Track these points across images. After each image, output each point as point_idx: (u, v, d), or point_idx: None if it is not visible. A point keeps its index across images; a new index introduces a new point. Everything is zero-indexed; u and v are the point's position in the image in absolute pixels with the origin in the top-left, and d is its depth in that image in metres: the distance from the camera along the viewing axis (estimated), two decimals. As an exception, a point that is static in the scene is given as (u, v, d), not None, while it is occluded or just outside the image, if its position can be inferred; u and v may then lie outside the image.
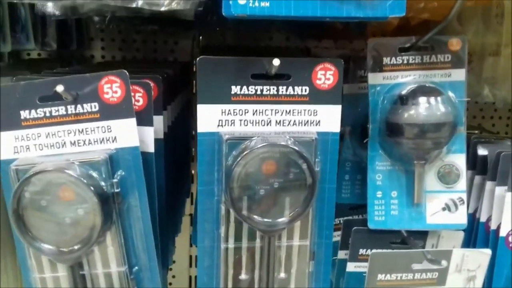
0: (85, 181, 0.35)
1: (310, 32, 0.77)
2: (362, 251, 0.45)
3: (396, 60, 0.43)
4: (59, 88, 0.34)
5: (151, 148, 0.38)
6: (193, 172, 0.77)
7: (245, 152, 0.37)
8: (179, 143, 0.59)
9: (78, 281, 0.37)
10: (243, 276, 0.40)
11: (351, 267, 0.46)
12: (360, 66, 0.50)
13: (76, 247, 0.36)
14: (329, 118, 0.39)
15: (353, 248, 0.45)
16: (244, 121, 0.38)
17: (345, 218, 0.48)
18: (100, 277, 0.38)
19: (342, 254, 0.48)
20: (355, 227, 0.45)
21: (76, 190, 0.35)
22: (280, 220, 0.37)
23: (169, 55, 0.79)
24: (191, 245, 0.75)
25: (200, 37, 0.79)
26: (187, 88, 0.69)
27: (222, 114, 0.38)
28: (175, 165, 0.53)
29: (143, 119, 0.38)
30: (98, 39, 0.76)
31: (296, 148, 0.36)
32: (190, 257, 0.76)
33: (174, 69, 0.54)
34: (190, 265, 0.77)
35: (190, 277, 0.78)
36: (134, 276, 0.38)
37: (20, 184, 0.35)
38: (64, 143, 0.37)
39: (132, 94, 0.37)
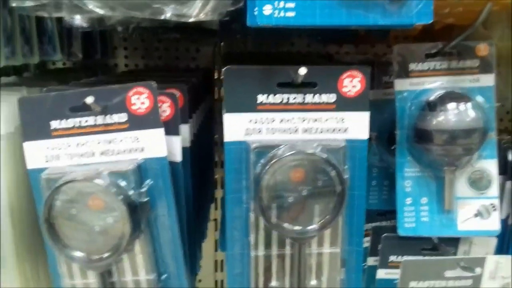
0: (114, 190, 0.35)
1: (331, 37, 0.77)
2: (392, 258, 0.45)
3: (423, 66, 0.43)
4: (89, 100, 0.35)
5: (178, 158, 0.38)
6: (216, 177, 0.77)
7: (274, 160, 0.36)
8: (204, 149, 0.59)
9: (106, 283, 0.37)
10: (273, 283, 0.40)
11: (381, 274, 0.45)
12: (384, 71, 0.50)
13: (105, 255, 0.36)
14: (357, 125, 0.38)
15: (383, 255, 0.45)
16: (271, 129, 0.38)
17: (374, 224, 0.47)
18: (129, 285, 0.38)
19: (371, 261, 0.48)
20: (385, 234, 0.44)
21: (105, 199, 0.35)
22: (310, 227, 0.37)
23: (191, 62, 0.80)
24: (216, 250, 0.75)
25: (222, 44, 0.80)
26: (209, 95, 0.69)
27: (249, 123, 0.38)
28: (200, 172, 0.53)
29: (170, 129, 0.38)
30: (121, 48, 0.77)
31: (324, 156, 0.36)
32: (216, 261, 0.76)
33: (197, 77, 0.54)
34: (216, 270, 0.77)
35: (216, 281, 0.78)
36: (163, 284, 0.38)
37: (51, 193, 0.35)
38: (93, 153, 0.37)
39: (159, 104, 0.37)
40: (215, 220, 0.74)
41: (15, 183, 0.42)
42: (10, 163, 0.40)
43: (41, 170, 0.37)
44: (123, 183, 0.36)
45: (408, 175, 0.43)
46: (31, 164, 0.38)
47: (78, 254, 0.36)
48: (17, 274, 0.42)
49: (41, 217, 0.36)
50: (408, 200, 0.43)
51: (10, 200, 0.41)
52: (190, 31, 0.63)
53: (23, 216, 0.43)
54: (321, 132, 0.38)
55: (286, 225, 0.37)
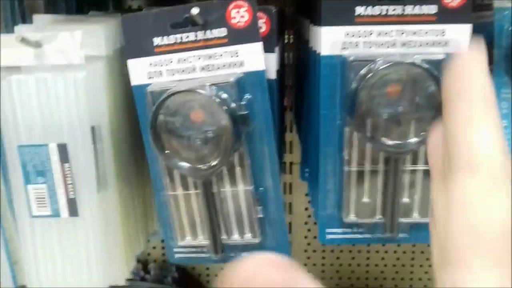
0: (217, 101, 0.36)
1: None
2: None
3: (525, -19, 0.41)
4: (194, 11, 0.35)
5: (273, 75, 0.39)
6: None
7: (371, 73, 0.36)
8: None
9: (209, 198, 0.39)
10: (365, 199, 0.40)
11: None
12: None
13: (209, 165, 0.38)
14: (458, 38, 0.37)
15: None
16: (369, 43, 0.37)
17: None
18: (228, 195, 0.40)
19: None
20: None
21: (209, 110, 0.37)
22: (408, 141, 0.37)
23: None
24: (285, 172, 0.76)
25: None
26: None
27: (346, 36, 0.37)
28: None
29: (266, 46, 0.38)
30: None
31: (425, 66, 0.36)
32: (284, 184, 0.77)
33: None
34: (285, 192, 0.77)
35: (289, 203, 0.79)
36: (260, 197, 0.40)
37: (159, 104, 0.37)
38: (194, 68, 0.38)
39: (256, 20, 0.37)
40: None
41: (115, 104, 0.44)
42: (111, 84, 0.43)
43: (144, 86, 0.39)
44: (224, 96, 0.37)
45: (504, 96, 0.42)
46: (135, 81, 0.39)
47: (183, 164, 0.38)
48: (117, 196, 0.45)
49: (149, 128, 0.38)
50: (504, 123, 0.42)
51: (111, 120, 0.43)
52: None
53: (122, 137, 0.46)
54: (420, 45, 0.37)
55: (383, 139, 0.37)
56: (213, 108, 0.37)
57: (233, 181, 0.39)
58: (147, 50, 0.38)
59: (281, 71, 0.47)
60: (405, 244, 0.78)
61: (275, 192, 0.40)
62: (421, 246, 0.78)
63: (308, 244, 0.75)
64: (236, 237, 0.41)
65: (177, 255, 0.43)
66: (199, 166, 0.38)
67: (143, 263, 0.75)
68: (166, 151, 0.38)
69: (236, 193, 0.40)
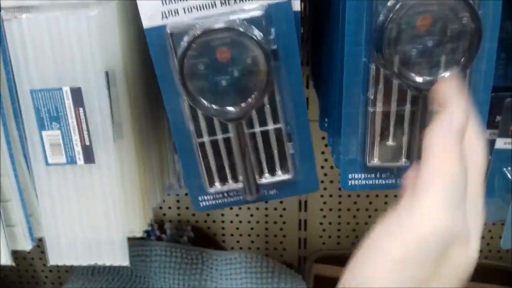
0: (254, 38, 0.34)
1: None
2: (514, 126, 0.42)
3: None
4: None
5: (297, 6, 0.37)
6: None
7: (398, 5, 0.34)
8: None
9: (242, 140, 0.38)
10: (390, 142, 0.39)
11: (500, 143, 0.43)
12: None
13: (242, 105, 0.36)
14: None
15: (503, 123, 0.42)
16: (397, -28, 0.35)
17: (493, 93, 0.44)
18: (257, 136, 0.39)
19: (487, 134, 0.45)
20: (508, 99, 0.41)
21: (238, 49, 0.35)
22: (439, 77, 0.35)
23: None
24: None
25: None
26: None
27: (373, -35, 0.35)
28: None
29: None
30: None
31: (459, -5, 0.33)
32: None
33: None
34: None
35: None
36: (290, 133, 0.39)
37: (188, 45, 0.35)
38: (214, 3, 0.36)
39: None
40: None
41: (129, 47, 0.42)
42: (124, 26, 0.41)
43: (159, 28, 0.36)
44: (256, 32, 0.35)
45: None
46: (147, 22, 0.37)
47: (214, 107, 0.37)
48: (133, 146, 0.44)
49: (177, 73, 0.36)
50: None
51: (125, 65, 0.42)
52: None
53: (137, 84, 0.45)
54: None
55: (411, 75, 0.36)
56: (243, 46, 0.35)
57: (262, 120, 0.38)
58: (160, -14, 0.36)
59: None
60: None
61: (304, 127, 0.38)
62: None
63: (325, 189, 0.74)
64: (267, 176, 0.40)
65: (202, 204, 0.42)
66: (231, 108, 0.36)
67: (158, 223, 0.75)
68: (195, 96, 0.36)
69: (266, 132, 0.38)
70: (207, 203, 0.42)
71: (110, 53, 0.40)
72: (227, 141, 0.39)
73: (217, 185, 0.41)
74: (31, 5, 0.38)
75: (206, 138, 0.39)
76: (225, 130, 0.39)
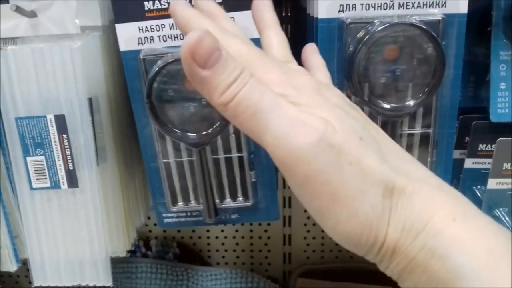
0: None
1: None
2: (481, 147, 0.44)
3: None
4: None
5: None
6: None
7: (367, 36, 0.36)
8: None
9: (204, 164, 0.39)
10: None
11: (469, 163, 0.45)
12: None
13: (205, 133, 0.38)
14: (456, -1, 0.37)
15: (472, 144, 0.44)
16: (366, 5, 0.37)
17: (462, 116, 0.46)
18: (222, 161, 0.40)
19: (457, 154, 0.47)
20: (475, 122, 0.43)
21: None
22: (406, 104, 0.37)
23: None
24: None
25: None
26: None
27: (342, -1, 0.37)
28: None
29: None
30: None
31: (423, 27, 0.35)
32: None
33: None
34: None
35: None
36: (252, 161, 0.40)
37: (157, 71, 0.37)
38: (190, 35, 0.38)
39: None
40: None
41: (111, 75, 0.44)
42: (107, 55, 0.42)
43: (134, 52, 0.38)
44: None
45: (503, 59, 0.42)
46: (124, 46, 0.39)
47: (178, 132, 0.38)
48: (117, 169, 0.45)
49: (144, 97, 0.38)
50: (502, 85, 0.42)
51: (108, 92, 0.43)
52: None
53: (120, 109, 0.46)
54: (418, 6, 0.37)
55: (380, 102, 0.37)
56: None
57: (227, 148, 0.40)
58: (137, 15, 0.38)
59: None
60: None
61: (267, 157, 0.40)
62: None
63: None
64: (228, 201, 0.42)
65: (166, 220, 0.44)
66: (194, 134, 0.38)
67: (144, 239, 0.76)
68: (162, 119, 0.38)
69: (230, 158, 0.40)
70: (170, 220, 0.44)
71: (93, 81, 0.41)
72: (191, 163, 0.41)
73: (180, 204, 0.43)
74: (16, 37, 0.39)
75: (171, 159, 0.41)
76: (190, 153, 0.40)
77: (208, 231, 0.77)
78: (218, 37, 0.24)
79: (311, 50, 0.34)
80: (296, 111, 0.24)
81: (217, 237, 0.78)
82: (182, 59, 0.23)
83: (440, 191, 0.25)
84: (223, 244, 0.78)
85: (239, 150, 0.40)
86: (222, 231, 0.77)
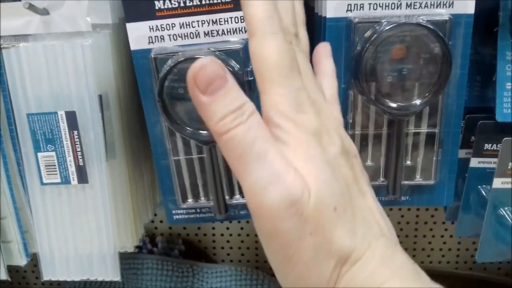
0: (230, 69, 0.37)
1: None
2: (487, 146, 0.44)
3: None
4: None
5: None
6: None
7: (375, 35, 0.36)
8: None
9: (214, 161, 0.40)
10: (368, 162, 0.41)
11: (474, 162, 0.45)
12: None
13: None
14: (463, -1, 0.37)
15: (478, 143, 0.45)
16: (373, 5, 0.37)
17: (468, 115, 0.47)
18: None
19: (462, 153, 0.47)
20: (481, 121, 0.44)
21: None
22: (412, 103, 0.37)
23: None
24: None
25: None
26: None
27: (351, -1, 0.37)
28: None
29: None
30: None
31: (430, 27, 0.36)
32: None
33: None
34: None
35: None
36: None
37: (168, 70, 0.37)
38: (198, 33, 0.39)
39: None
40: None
41: (121, 72, 0.44)
42: (117, 52, 0.43)
43: (144, 51, 0.39)
44: (232, 63, 0.37)
45: (510, 59, 0.42)
46: (134, 45, 0.39)
47: (189, 130, 0.39)
48: (125, 165, 0.46)
49: (156, 95, 0.38)
50: (508, 85, 0.42)
51: (118, 89, 0.44)
52: None
53: (129, 106, 0.47)
54: (426, 6, 0.37)
55: (387, 101, 0.38)
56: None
57: None
58: (148, 14, 0.38)
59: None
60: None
61: None
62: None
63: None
64: (238, 197, 0.42)
65: (176, 217, 0.44)
66: (206, 132, 0.38)
67: (150, 236, 0.76)
68: (173, 118, 0.38)
69: None
70: (179, 216, 0.44)
71: (103, 78, 0.42)
72: (201, 160, 0.41)
73: (190, 201, 0.43)
74: (28, 34, 0.40)
75: (181, 157, 0.41)
76: (200, 150, 0.41)
77: (213, 228, 0.78)
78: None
79: (324, 53, 0.34)
80: (281, 166, 0.24)
81: (222, 235, 0.78)
82: (187, 80, 0.25)
83: (391, 262, 0.25)
84: (228, 241, 0.79)
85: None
86: (228, 228, 0.78)
